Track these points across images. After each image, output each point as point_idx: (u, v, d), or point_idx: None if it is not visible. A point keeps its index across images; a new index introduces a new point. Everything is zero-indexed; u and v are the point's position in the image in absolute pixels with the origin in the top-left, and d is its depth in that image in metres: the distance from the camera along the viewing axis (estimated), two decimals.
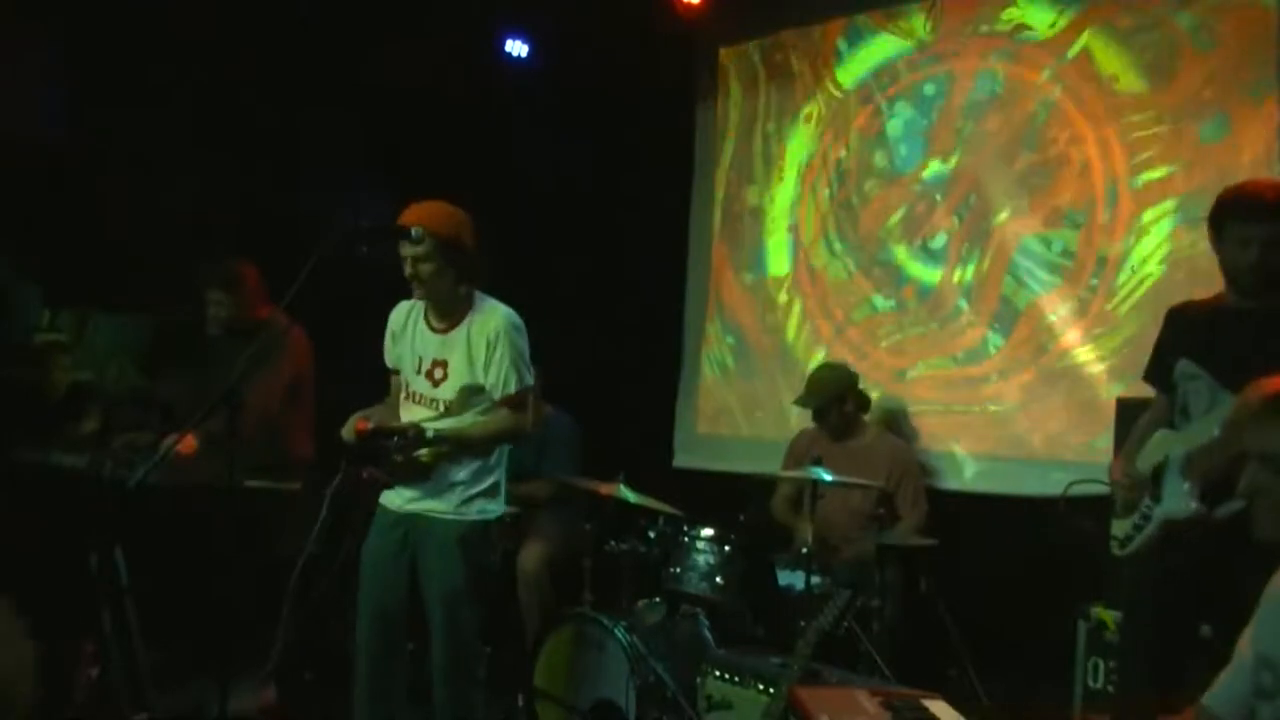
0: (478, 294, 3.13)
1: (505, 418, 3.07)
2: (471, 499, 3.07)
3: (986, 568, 3.90)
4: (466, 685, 3.10)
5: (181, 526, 3.49)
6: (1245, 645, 1.83)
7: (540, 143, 5.70)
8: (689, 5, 5.32)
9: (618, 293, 5.64)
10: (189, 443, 3.56)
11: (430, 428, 3.01)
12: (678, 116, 5.68)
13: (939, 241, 4.65)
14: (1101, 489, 3.05)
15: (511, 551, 4.60)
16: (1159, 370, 2.97)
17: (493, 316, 3.08)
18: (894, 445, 4.27)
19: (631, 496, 3.82)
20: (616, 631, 3.56)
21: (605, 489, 3.86)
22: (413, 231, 2.96)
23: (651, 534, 3.88)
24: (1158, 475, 2.80)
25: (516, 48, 5.81)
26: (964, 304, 4.55)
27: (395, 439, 2.99)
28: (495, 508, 3.14)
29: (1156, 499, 2.79)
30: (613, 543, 3.92)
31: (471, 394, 3.05)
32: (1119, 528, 2.92)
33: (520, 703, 3.83)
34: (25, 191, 4.24)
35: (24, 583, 3.35)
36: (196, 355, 4.12)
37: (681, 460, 5.51)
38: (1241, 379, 2.60)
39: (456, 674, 3.07)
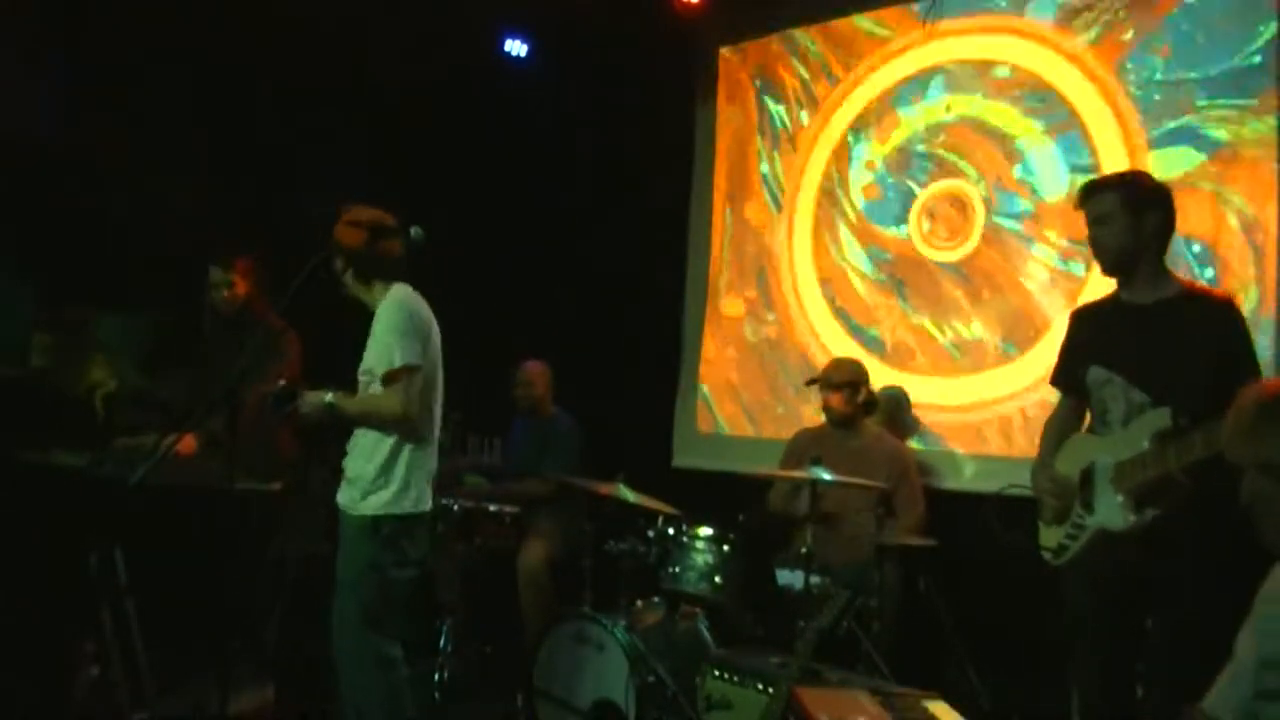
0: (394, 286, 3.18)
1: (380, 396, 3.08)
2: (369, 495, 3.07)
3: (986, 568, 3.90)
4: (354, 675, 3.06)
5: (180, 526, 3.49)
6: (1244, 648, 1.81)
7: (539, 142, 5.71)
8: (688, 5, 5.32)
9: (617, 293, 5.64)
10: (189, 443, 3.57)
11: (328, 396, 3.06)
12: (677, 116, 5.68)
13: (941, 241, 4.65)
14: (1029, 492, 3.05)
15: (511, 551, 4.61)
16: (1067, 375, 2.98)
17: (384, 301, 3.14)
18: (893, 445, 4.28)
19: (631, 496, 3.82)
20: (616, 631, 3.56)
21: (605, 489, 3.87)
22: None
23: (651, 534, 3.87)
24: (1086, 483, 2.79)
25: (516, 47, 5.82)
26: (968, 305, 4.55)
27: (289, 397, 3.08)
28: (398, 508, 3.07)
29: (1088, 508, 2.78)
30: (612, 543, 3.92)
31: (371, 378, 3.12)
32: (1049, 537, 2.90)
33: (520, 703, 3.83)
34: (25, 191, 4.24)
35: (24, 583, 3.38)
36: (195, 351, 4.12)
37: (681, 460, 5.51)
38: (1147, 375, 2.68)
39: (341, 662, 3.07)
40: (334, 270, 3.17)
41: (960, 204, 4.60)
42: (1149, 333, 2.73)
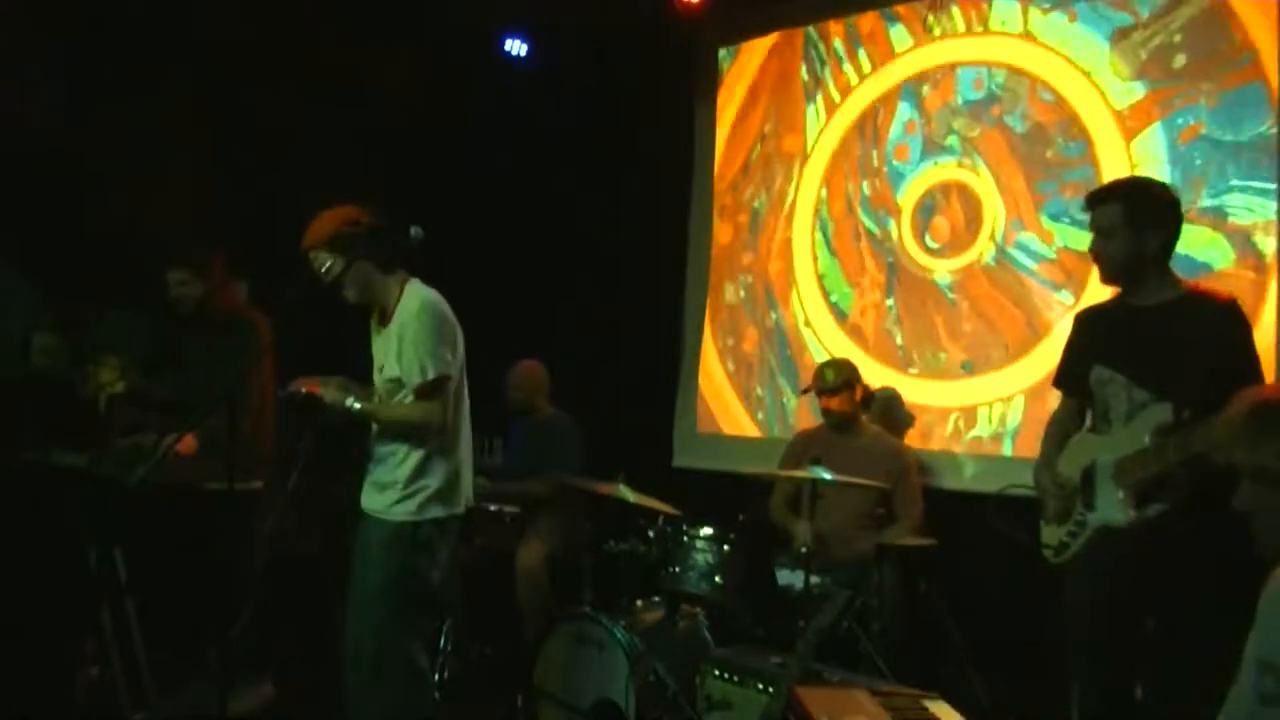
0: (411, 283, 3.10)
1: (412, 406, 3.03)
2: (402, 500, 3.03)
3: (986, 568, 3.90)
4: (378, 682, 3.00)
5: (180, 526, 3.50)
6: (1247, 654, 1.81)
7: (539, 142, 5.71)
8: (688, 5, 5.32)
9: (617, 292, 5.64)
10: (188, 443, 3.56)
11: (350, 400, 3.02)
12: (677, 116, 5.68)
13: (940, 241, 4.66)
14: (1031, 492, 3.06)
15: (511, 551, 4.61)
16: (1070, 377, 2.99)
17: (410, 304, 3.05)
18: (893, 445, 4.28)
19: (631, 496, 3.82)
20: (616, 631, 3.55)
21: (605, 489, 3.86)
22: (309, 256, 3.04)
23: (651, 534, 3.87)
24: (1088, 480, 2.80)
25: (516, 47, 5.82)
26: (966, 303, 4.55)
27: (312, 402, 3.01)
28: (433, 512, 3.04)
29: (1090, 506, 2.79)
30: (612, 543, 3.92)
31: (397, 386, 3.06)
32: (1051, 535, 2.92)
33: (520, 703, 3.83)
34: (26, 191, 4.24)
35: (24, 582, 3.38)
36: (175, 350, 4.11)
37: (681, 460, 5.52)
38: (1150, 375, 2.69)
39: (374, 670, 3.00)
40: (335, 274, 3.04)
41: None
42: (1152, 333, 2.74)
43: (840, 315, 4.97)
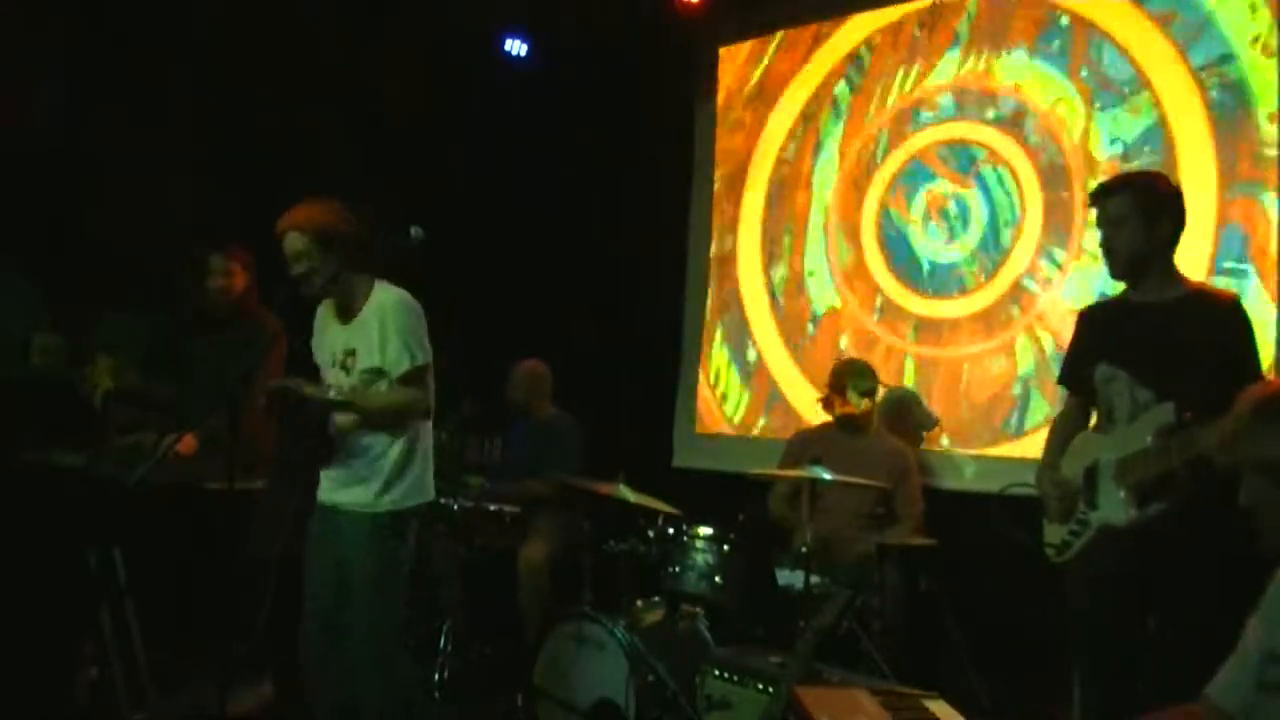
0: (379, 282, 3.13)
1: (401, 392, 3.07)
2: (386, 490, 3.07)
3: (987, 567, 3.90)
4: (381, 674, 3.04)
5: (180, 526, 3.49)
6: (1250, 638, 1.81)
7: (539, 142, 5.71)
8: (688, 5, 5.32)
9: (617, 293, 5.64)
10: (188, 442, 3.56)
11: (333, 389, 3.06)
12: (678, 116, 5.68)
13: (941, 240, 4.66)
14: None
15: (511, 551, 4.60)
16: (1075, 374, 2.99)
17: (386, 298, 3.09)
18: (893, 445, 4.27)
19: (631, 496, 3.82)
20: (616, 631, 3.55)
21: (605, 489, 3.86)
22: (286, 236, 3.03)
23: (651, 534, 3.87)
24: (1090, 479, 2.80)
25: (516, 47, 5.82)
26: (967, 301, 4.55)
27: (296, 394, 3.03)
28: (413, 499, 3.11)
29: (1092, 505, 2.79)
30: (612, 542, 3.92)
31: (376, 376, 3.07)
32: (1053, 534, 2.92)
33: (520, 703, 3.83)
34: (26, 192, 4.24)
35: (24, 582, 3.38)
36: (180, 350, 4.11)
37: (681, 460, 5.51)
38: (1153, 372, 2.68)
39: (372, 663, 3.03)
40: (309, 264, 3.03)
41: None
42: (1155, 331, 2.74)
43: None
